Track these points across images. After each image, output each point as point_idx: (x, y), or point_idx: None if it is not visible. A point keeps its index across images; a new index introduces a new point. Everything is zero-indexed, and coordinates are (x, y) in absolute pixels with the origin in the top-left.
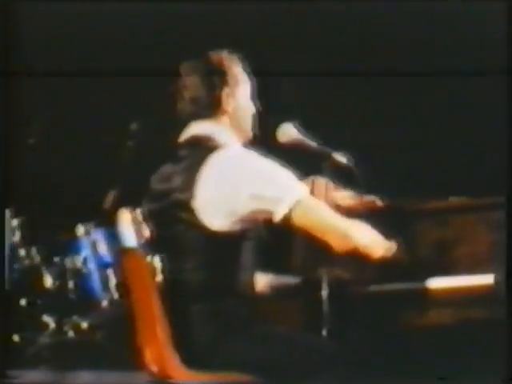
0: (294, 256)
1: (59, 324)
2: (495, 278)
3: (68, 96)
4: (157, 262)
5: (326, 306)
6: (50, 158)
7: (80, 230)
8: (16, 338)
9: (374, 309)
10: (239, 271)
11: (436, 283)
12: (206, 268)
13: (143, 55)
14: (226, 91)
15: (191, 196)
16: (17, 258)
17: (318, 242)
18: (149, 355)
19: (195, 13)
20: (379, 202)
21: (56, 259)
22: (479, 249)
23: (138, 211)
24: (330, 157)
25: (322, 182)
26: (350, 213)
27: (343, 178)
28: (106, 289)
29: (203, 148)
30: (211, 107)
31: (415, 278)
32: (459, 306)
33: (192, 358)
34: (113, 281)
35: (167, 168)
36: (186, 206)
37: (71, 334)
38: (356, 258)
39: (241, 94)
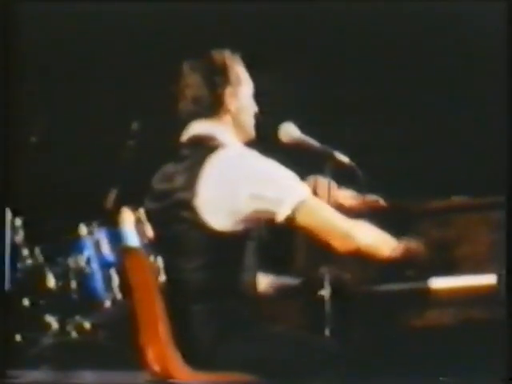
0: (295, 256)
1: (62, 324)
2: (497, 278)
3: (69, 95)
4: (159, 261)
5: (327, 306)
6: (52, 157)
7: (82, 229)
8: (18, 337)
9: (375, 308)
10: (241, 271)
11: (438, 283)
12: (209, 268)
13: (144, 55)
14: (228, 90)
15: (193, 195)
16: (19, 258)
17: (320, 243)
18: (151, 355)
19: (196, 12)
20: (381, 202)
21: (59, 259)
22: (482, 248)
23: (141, 211)
24: (332, 156)
25: (324, 181)
26: (352, 212)
27: (345, 177)
28: (108, 289)
29: (205, 147)
30: (213, 106)
31: (417, 278)
32: (461, 306)
33: (194, 358)
34: (116, 281)
35: (169, 167)
36: (188, 206)
37: (74, 334)
38: (358, 258)
39: (243, 94)
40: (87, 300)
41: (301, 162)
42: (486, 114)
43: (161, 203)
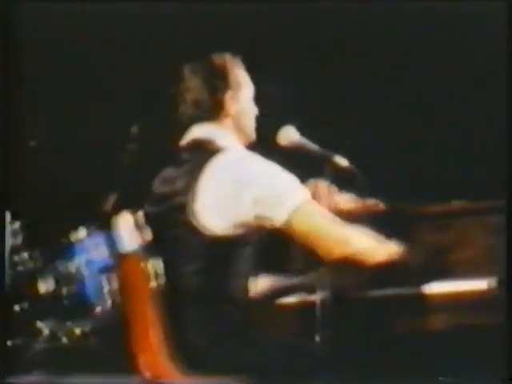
0: (291, 260)
1: (53, 330)
2: (497, 282)
3: (68, 98)
4: (156, 265)
5: (321, 311)
6: (51, 161)
7: (79, 233)
8: (9, 343)
9: (372, 313)
10: (238, 276)
11: (437, 287)
12: (206, 272)
13: (144, 58)
14: (228, 94)
15: (192, 199)
16: (11, 264)
17: (316, 247)
18: (143, 361)
19: (196, 14)
20: (381, 206)
21: (50, 265)
22: (481, 253)
23: (140, 214)
24: (331, 160)
25: (323, 185)
26: (351, 216)
27: (345, 181)
28: (100, 295)
29: (205, 151)
30: (213, 110)
31: (415, 282)
32: (459, 311)
33: (188, 362)
34: (107, 286)
35: (169, 171)
36: (186, 210)
37: (65, 340)
38: (355, 263)
39: (244, 97)
40: (79, 306)
41: (300, 165)
42: (485, 116)
43: (161, 207)
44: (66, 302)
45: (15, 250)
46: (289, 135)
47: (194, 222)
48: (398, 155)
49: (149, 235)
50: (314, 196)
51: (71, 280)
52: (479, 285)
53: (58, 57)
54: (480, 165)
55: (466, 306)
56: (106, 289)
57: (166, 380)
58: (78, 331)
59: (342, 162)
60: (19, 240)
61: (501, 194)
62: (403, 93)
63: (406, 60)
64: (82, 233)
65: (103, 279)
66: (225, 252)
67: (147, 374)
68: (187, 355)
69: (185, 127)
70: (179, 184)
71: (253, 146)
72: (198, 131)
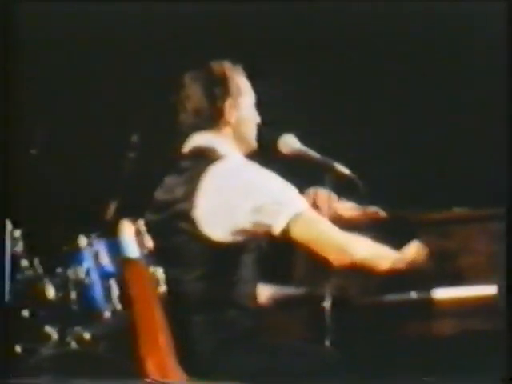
0: (296, 267)
1: (62, 335)
2: (498, 289)
3: (68, 99)
4: (159, 272)
5: (329, 317)
6: (52, 169)
7: (82, 240)
8: (18, 348)
9: (377, 319)
10: (241, 282)
11: (439, 294)
12: (208, 278)
13: (145, 66)
14: (228, 102)
15: (192, 207)
16: (19, 269)
17: (316, 256)
18: (151, 366)
19: (196, 22)
20: (382, 213)
21: (58, 270)
22: (482, 259)
23: (141, 222)
24: (332, 168)
25: (324, 193)
26: (352, 224)
27: (345, 188)
28: (108, 300)
29: (205, 159)
30: (213, 118)
31: (418, 289)
32: (461, 317)
33: (194, 369)
34: (115, 291)
35: (170, 179)
36: (187, 217)
37: (74, 344)
38: (358, 271)
39: (244, 105)
40: (87, 311)
41: (301, 173)
42: (485, 117)
43: (161, 214)
44: (74, 307)
45: (21, 256)
46: (289, 143)
47: (195, 230)
48: (399, 162)
49: (151, 242)
50: (315, 204)
51: (79, 285)
52: (481, 291)
53: (58, 57)
54: (481, 172)
55: (468, 312)
56: (114, 294)
57: None
58: (86, 336)
59: (343, 169)
60: (24, 246)
61: (502, 202)
62: (403, 96)
63: (405, 61)
64: (87, 239)
65: (111, 284)
66: (226, 259)
67: (155, 379)
68: (195, 361)
69: (185, 135)
70: (179, 192)
71: (254, 154)
72: (199, 139)
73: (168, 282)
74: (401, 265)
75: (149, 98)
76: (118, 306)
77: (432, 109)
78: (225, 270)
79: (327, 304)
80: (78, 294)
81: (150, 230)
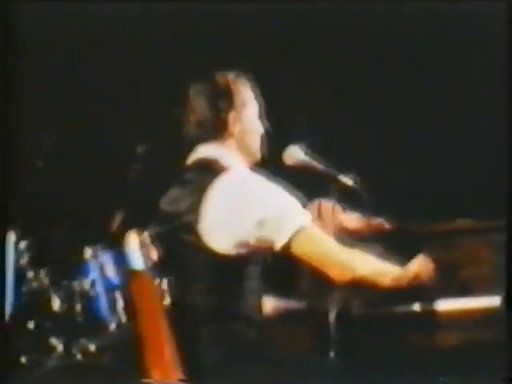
0: (301, 279)
1: (67, 347)
2: (502, 300)
3: (69, 99)
4: (164, 284)
5: (333, 329)
6: (57, 181)
7: (88, 252)
8: (23, 360)
9: (381, 331)
10: (246, 294)
11: (442, 305)
12: (213, 291)
13: (149, 77)
14: (232, 114)
15: (197, 219)
16: (24, 281)
17: (318, 272)
18: (156, 377)
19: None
20: (386, 225)
21: (64, 282)
22: (486, 271)
23: (146, 234)
24: (336, 179)
25: (328, 204)
26: (356, 235)
27: (350, 200)
28: (113, 311)
29: (210, 171)
30: (217, 130)
31: (422, 300)
32: (466, 328)
33: (199, 381)
34: (120, 303)
35: (174, 191)
36: (191, 230)
37: (79, 356)
38: (360, 286)
39: (248, 117)
40: (92, 323)
41: (305, 184)
42: (486, 117)
43: (166, 226)
44: (79, 318)
45: (26, 268)
46: (294, 154)
47: (200, 242)
48: (403, 174)
49: (156, 254)
50: (319, 216)
51: (85, 297)
52: (485, 302)
53: (58, 57)
54: (484, 184)
55: (472, 323)
56: (119, 306)
57: None
58: (92, 348)
59: (347, 181)
60: (30, 258)
61: (502, 213)
62: (405, 106)
63: (405, 62)
64: (92, 251)
65: (117, 296)
66: (231, 271)
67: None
68: (199, 373)
69: (190, 147)
70: (184, 204)
71: (258, 165)
72: (203, 151)
73: (173, 294)
74: (404, 281)
75: (154, 109)
76: (123, 318)
77: (433, 118)
78: (230, 283)
79: (331, 316)
80: (83, 306)
81: (155, 242)
